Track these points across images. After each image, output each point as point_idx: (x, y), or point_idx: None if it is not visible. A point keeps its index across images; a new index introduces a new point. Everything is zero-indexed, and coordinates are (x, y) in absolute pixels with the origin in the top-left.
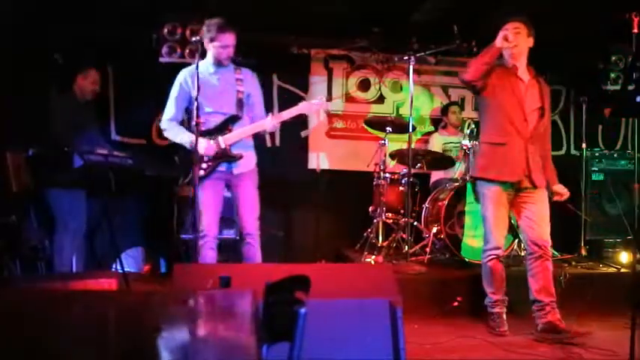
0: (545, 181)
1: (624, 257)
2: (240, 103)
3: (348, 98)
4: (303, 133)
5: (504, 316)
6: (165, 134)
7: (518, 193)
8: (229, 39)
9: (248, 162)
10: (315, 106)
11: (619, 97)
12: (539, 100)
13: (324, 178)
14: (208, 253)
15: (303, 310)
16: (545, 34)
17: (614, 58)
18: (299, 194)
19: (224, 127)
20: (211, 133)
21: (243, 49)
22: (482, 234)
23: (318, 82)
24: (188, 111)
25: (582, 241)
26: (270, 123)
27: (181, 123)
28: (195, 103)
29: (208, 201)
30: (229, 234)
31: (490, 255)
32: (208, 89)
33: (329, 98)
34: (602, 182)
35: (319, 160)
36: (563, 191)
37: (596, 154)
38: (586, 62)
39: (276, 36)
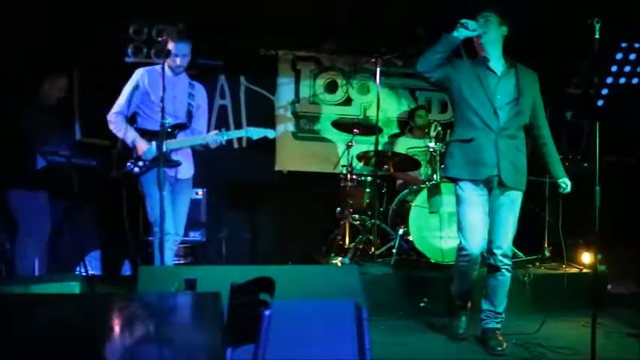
0: (519, 181)
1: (586, 258)
2: (189, 114)
3: (315, 100)
4: (268, 134)
5: (464, 319)
6: (111, 127)
7: (490, 193)
8: (184, 49)
9: (187, 170)
10: (260, 133)
11: (581, 101)
12: (515, 92)
13: (291, 180)
14: (167, 253)
15: (267, 312)
16: (509, 38)
17: (577, 62)
18: (266, 196)
19: (170, 133)
20: (157, 135)
21: (209, 51)
22: (455, 235)
23: (285, 83)
24: (139, 109)
25: (546, 242)
26: (213, 138)
27: (127, 119)
28: (161, 105)
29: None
30: (195, 236)
31: (463, 261)
32: (160, 90)
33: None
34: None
35: (286, 161)
36: (566, 184)
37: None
38: (551, 67)
39: (243, 37)
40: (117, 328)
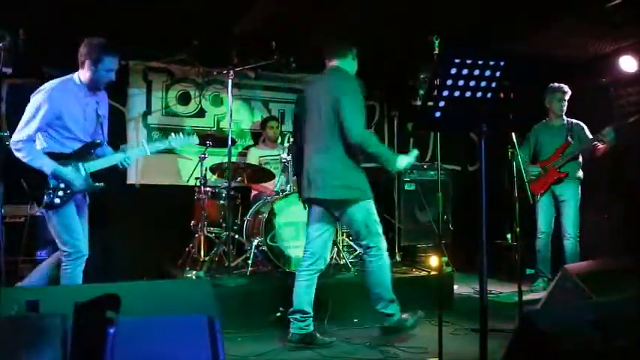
0: None
1: (434, 261)
2: (101, 128)
3: (168, 112)
4: (122, 147)
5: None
6: (20, 154)
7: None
8: (114, 62)
9: None
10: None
11: (420, 113)
12: None
13: (144, 194)
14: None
15: (112, 330)
16: (363, 50)
17: (422, 76)
18: (118, 210)
19: (89, 154)
20: (69, 157)
21: (55, 59)
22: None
23: (136, 94)
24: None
25: (397, 247)
26: (136, 151)
27: None
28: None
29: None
30: (42, 255)
31: (312, 270)
32: (75, 111)
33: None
34: (414, 192)
35: (139, 174)
36: None
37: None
38: (399, 79)
39: None
40: None
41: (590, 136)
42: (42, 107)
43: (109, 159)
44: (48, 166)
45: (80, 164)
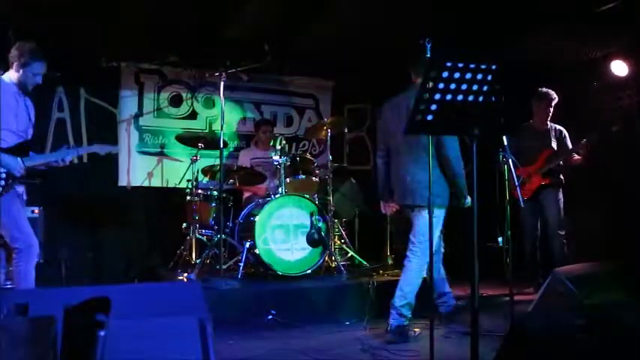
0: None
1: None
2: (33, 128)
3: (160, 114)
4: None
5: None
6: None
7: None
8: (41, 67)
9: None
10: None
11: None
12: None
13: (135, 195)
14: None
15: (102, 333)
16: (353, 54)
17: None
18: (110, 213)
19: (23, 149)
20: (7, 151)
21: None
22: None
23: (128, 96)
24: None
25: (389, 250)
26: (67, 153)
27: None
28: None
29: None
30: None
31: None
32: (10, 105)
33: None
34: None
35: (130, 176)
36: None
37: None
38: (391, 82)
39: (82, 47)
40: None
41: (570, 146)
42: None
43: (44, 156)
44: None
45: (18, 158)
